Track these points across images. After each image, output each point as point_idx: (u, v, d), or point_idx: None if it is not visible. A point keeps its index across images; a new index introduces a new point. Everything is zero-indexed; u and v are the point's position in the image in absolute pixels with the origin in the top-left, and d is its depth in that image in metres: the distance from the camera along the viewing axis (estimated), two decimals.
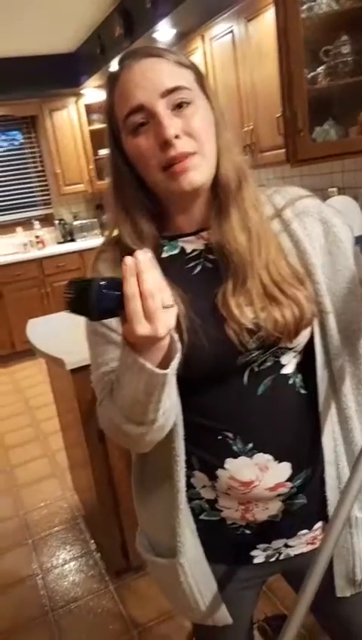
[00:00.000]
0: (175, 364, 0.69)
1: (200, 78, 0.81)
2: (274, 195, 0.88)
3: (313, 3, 2.21)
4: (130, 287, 0.62)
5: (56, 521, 2.52)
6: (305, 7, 2.21)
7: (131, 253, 0.75)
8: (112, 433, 0.81)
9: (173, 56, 0.78)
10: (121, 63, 0.79)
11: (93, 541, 2.32)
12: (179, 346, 0.70)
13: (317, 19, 2.22)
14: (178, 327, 0.77)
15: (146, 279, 0.62)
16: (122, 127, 0.79)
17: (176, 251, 0.86)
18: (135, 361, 0.67)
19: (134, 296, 0.62)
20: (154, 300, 0.62)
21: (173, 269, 0.83)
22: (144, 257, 0.64)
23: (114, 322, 0.81)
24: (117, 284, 0.63)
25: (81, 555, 2.26)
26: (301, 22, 2.19)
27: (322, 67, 2.33)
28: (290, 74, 2.30)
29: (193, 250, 0.85)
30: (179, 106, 0.76)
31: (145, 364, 0.66)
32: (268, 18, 2.68)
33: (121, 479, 1.87)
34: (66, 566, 2.22)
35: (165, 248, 0.86)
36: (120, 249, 0.82)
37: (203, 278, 0.83)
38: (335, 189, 3.04)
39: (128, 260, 0.63)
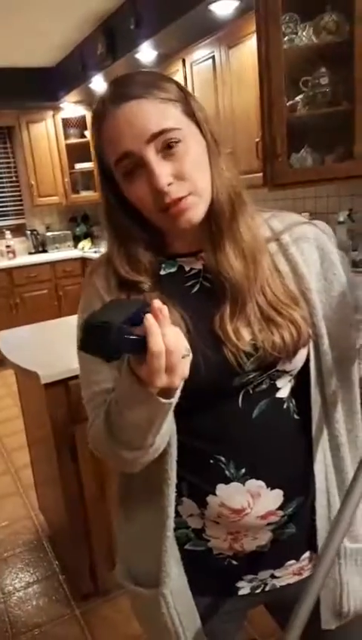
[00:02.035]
0: (178, 392, 0.69)
1: (188, 105, 0.79)
2: (272, 219, 0.89)
3: (294, 35, 2.29)
4: (157, 345, 0.61)
5: (20, 542, 2.43)
6: (286, 38, 2.28)
7: (124, 279, 0.76)
8: (105, 455, 0.80)
9: (156, 92, 0.75)
10: (103, 104, 0.77)
11: (57, 563, 2.25)
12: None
13: (298, 50, 2.30)
14: None
15: (168, 334, 0.62)
16: (114, 171, 0.78)
17: (174, 269, 0.86)
18: (141, 391, 0.66)
19: (161, 354, 0.61)
20: (176, 355, 0.63)
21: (172, 286, 0.83)
22: (164, 311, 0.63)
23: None
24: (133, 324, 0.62)
25: (46, 578, 2.18)
26: (282, 52, 2.26)
27: (301, 96, 2.40)
28: (271, 101, 2.36)
29: (191, 269, 0.85)
30: (167, 147, 0.75)
31: (152, 395, 0.66)
32: (249, 46, 2.75)
33: (92, 500, 1.84)
34: (30, 589, 2.14)
35: (163, 266, 0.86)
36: (113, 270, 0.83)
37: (201, 297, 0.83)
38: (307, 214, 3.11)
39: (150, 317, 0.62)
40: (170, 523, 0.84)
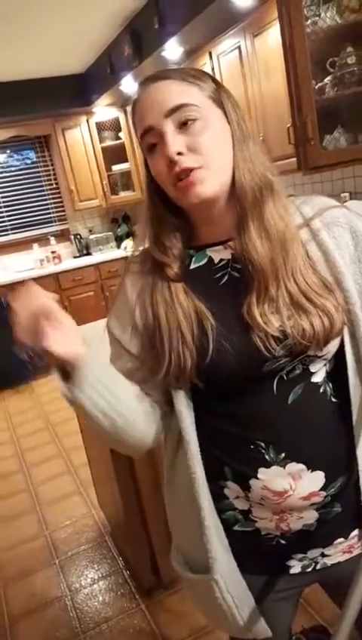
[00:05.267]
0: (83, 380, 0.79)
1: (216, 91, 0.83)
2: (303, 205, 0.89)
3: (317, 18, 2.25)
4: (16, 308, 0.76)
5: (83, 540, 2.49)
6: (309, 22, 2.25)
7: (160, 264, 0.83)
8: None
9: (181, 75, 0.81)
10: (138, 88, 0.84)
11: (121, 558, 2.30)
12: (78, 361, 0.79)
13: (322, 32, 2.26)
14: (205, 337, 0.81)
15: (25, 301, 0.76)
16: (141, 147, 0.84)
17: (204, 261, 0.88)
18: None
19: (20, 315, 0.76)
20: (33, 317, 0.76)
21: (200, 280, 0.86)
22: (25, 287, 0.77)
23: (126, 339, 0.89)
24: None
25: (110, 574, 2.23)
26: (306, 36, 2.23)
27: (329, 78, 2.36)
28: (298, 86, 2.33)
29: (220, 260, 0.87)
30: (185, 124, 0.79)
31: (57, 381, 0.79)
32: (274, 33, 2.71)
33: (148, 494, 1.86)
34: (95, 585, 2.19)
35: (193, 259, 0.89)
36: (150, 258, 0.88)
37: (230, 287, 0.85)
38: (347, 195, 3.05)
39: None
40: (206, 513, 0.87)
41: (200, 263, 0.88)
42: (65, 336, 0.76)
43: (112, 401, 0.83)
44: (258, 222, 0.82)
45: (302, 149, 2.43)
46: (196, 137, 0.79)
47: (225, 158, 0.81)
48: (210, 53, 3.41)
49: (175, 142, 0.78)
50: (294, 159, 2.52)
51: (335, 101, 2.39)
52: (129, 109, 5.18)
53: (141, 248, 0.91)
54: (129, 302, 0.89)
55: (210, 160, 0.79)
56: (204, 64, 3.48)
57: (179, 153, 0.78)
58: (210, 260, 0.88)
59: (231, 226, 0.84)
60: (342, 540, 0.91)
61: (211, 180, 0.80)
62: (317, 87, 2.36)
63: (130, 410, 0.87)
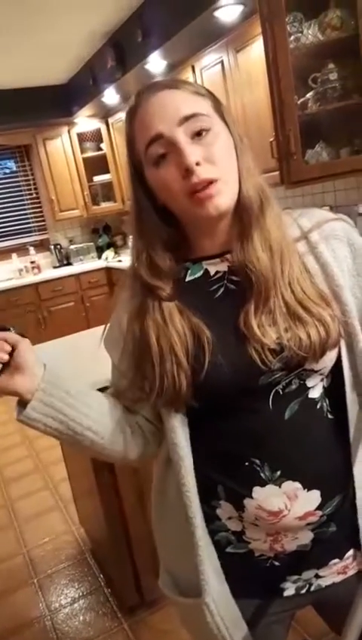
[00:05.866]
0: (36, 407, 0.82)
1: (218, 106, 0.82)
2: (301, 218, 0.88)
3: (299, 34, 2.29)
4: None
5: (63, 557, 2.42)
6: (292, 38, 2.28)
7: (146, 283, 0.81)
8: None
9: (190, 87, 0.80)
10: (138, 96, 0.80)
11: (102, 576, 2.25)
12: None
13: (305, 48, 2.31)
14: (202, 352, 0.79)
15: None
16: (144, 158, 0.80)
17: (199, 274, 0.87)
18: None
19: None
20: None
21: (195, 293, 0.85)
22: None
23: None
24: None
25: (91, 592, 2.17)
26: (289, 52, 2.25)
27: (311, 93, 2.40)
28: (281, 101, 2.36)
29: (216, 272, 0.86)
30: (198, 134, 0.77)
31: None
32: (256, 48, 2.74)
33: (131, 510, 1.83)
34: (76, 605, 2.12)
35: (189, 271, 0.87)
36: (140, 278, 0.85)
37: (225, 300, 0.84)
38: (327, 208, 3.09)
39: None
40: (199, 532, 0.85)
41: (196, 276, 0.87)
42: (12, 370, 0.80)
43: (68, 422, 0.83)
44: (260, 232, 0.81)
45: (285, 163, 2.45)
46: (210, 148, 0.77)
47: (235, 171, 0.81)
48: (193, 67, 3.44)
49: (193, 152, 0.76)
50: (277, 173, 2.53)
51: (317, 116, 2.43)
52: (111, 120, 5.20)
53: (130, 265, 0.89)
54: (121, 326, 0.87)
55: (225, 172, 0.78)
56: (187, 78, 3.49)
57: (197, 163, 0.76)
58: (206, 272, 0.86)
59: (230, 238, 0.83)
60: (336, 560, 0.89)
61: (228, 193, 0.79)
62: (299, 102, 2.39)
63: (99, 427, 0.85)
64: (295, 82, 2.33)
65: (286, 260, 0.81)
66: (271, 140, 2.56)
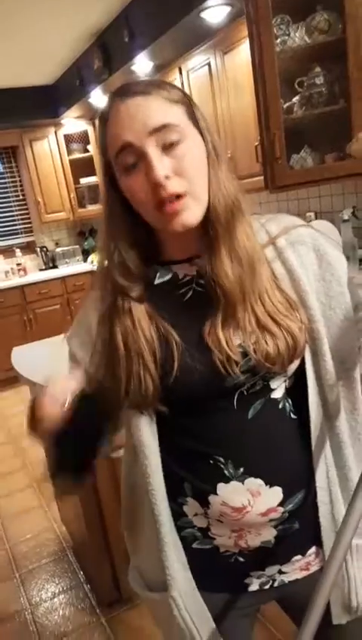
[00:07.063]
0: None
1: (193, 112, 0.80)
2: (269, 223, 0.89)
3: (286, 37, 2.30)
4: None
5: (44, 554, 2.46)
6: (278, 40, 2.30)
7: (117, 284, 0.81)
8: None
9: (162, 92, 0.77)
10: (109, 101, 0.78)
11: (82, 573, 2.27)
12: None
13: (291, 52, 2.31)
14: (171, 356, 0.80)
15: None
16: (115, 166, 0.79)
17: (168, 277, 0.87)
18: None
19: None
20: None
21: (164, 296, 0.85)
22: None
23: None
24: None
25: (71, 588, 2.21)
26: (275, 55, 2.27)
27: (297, 97, 2.41)
28: (267, 104, 2.37)
29: (185, 276, 0.86)
30: (169, 145, 0.75)
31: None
32: (244, 51, 2.77)
33: (109, 509, 1.85)
34: (56, 599, 2.16)
35: (158, 274, 0.87)
36: (111, 279, 0.84)
37: (193, 304, 0.84)
38: (312, 214, 3.12)
39: None
40: (165, 529, 0.86)
41: (165, 279, 0.87)
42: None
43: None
44: (228, 244, 0.80)
45: (269, 167, 2.45)
46: (180, 161, 0.76)
47: (205, 183, 0.79)
48: (180, 69, 3.47)
49: (163, 165, 0.74)
50: (261, 177, 2.54)
51: (302, 121, 2.43)
52: (97, 121, 5.19)
53: (101, 265, 0.88)
54: (91, 326, 0.87)
55: (194, 186, 0.77)
56: (174, 79, 3.52)
57: (166, 177, 0.75)
58: (175, 275, 0.87)
59: (197, 244, 0.83)
60: (299, 557, 0.91)
61: (195, 209, 0.78)
62: (285, 106, 2.40)
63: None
64: (281, 86, 2.33)
65: (256, 271, 0.81)
66: (257, 144, 2.58)
